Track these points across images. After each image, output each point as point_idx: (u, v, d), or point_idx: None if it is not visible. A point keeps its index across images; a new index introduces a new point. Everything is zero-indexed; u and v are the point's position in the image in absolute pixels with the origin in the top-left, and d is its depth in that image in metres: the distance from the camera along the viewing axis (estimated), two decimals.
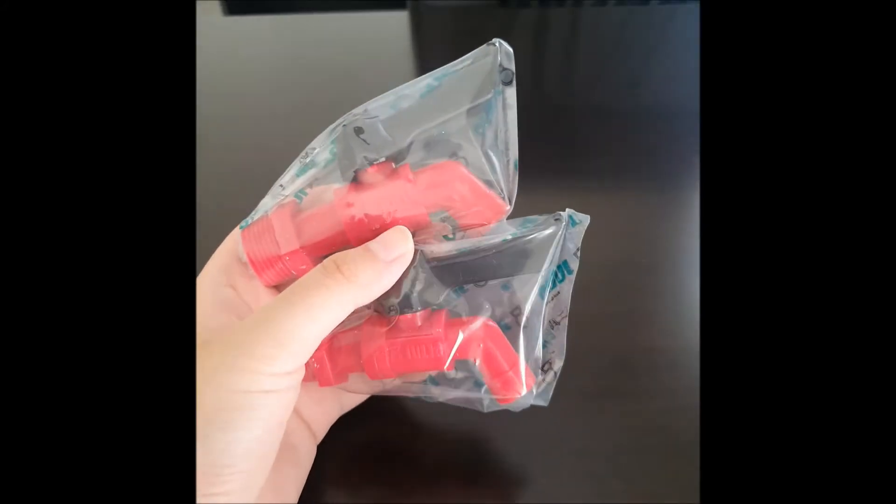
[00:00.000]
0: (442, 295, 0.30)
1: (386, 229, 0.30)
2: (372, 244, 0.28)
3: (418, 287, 0.30)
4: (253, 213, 0.31)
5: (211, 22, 0.83)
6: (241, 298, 0.32)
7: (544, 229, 0.30)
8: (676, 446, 0.35)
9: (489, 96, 0.30)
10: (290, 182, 0.31)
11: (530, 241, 0.30)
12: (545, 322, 0.31)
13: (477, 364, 0.30)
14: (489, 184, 0.31)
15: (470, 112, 0.30)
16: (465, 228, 0.31)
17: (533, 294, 0.30)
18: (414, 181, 0.30)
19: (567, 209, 0.30)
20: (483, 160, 0.31)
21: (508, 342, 0.30)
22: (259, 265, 0.31)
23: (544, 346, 0.31)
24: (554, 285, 0.31)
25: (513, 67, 0.30)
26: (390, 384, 0.32)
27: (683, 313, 0.43)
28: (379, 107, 0.31)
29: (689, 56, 0.70)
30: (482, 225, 0.31)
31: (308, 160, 0.31)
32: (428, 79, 0.31)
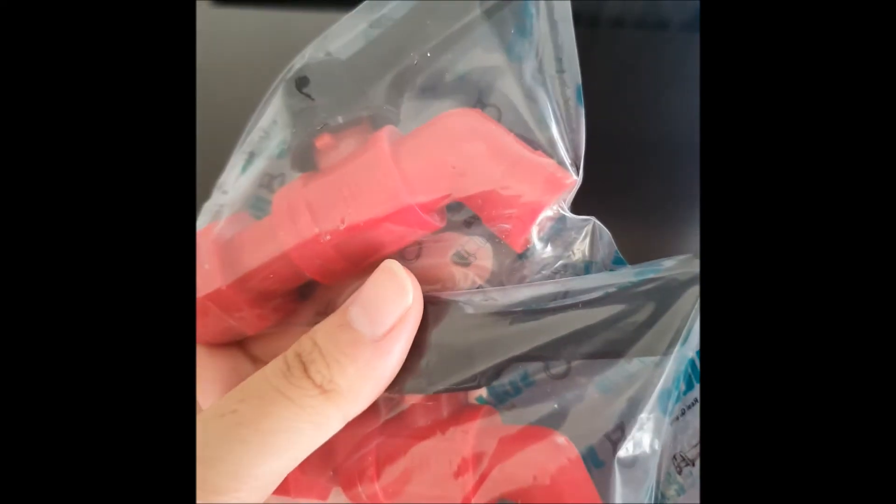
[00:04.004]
0: (483, 378, 0.17)
1: (361, 247, 0.17)
2: (350, 310, 0.16)
3: (441, 357, 0.17)
4: None
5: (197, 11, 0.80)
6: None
7: (682, 276, 0.16)
8: None
9: None
10: (234, 183, 0.21)
11: (655, 294, 0.16)
12: (667, 457, 0.16)
13: None
14: (532, 143, 0.17)
15: (490, 15, 0.17)
16: (500, 231, 0.17)
17: (650, 402, 0.16)
18: (390, 150, 0.17)
19: None
20: (521, 99, 0.17)
21: (595, 488, 0.16)
22: None
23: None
24: (690, 386, 0.16)
25: None
26: None
27: None
28: (342, 44, 0.19)
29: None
30: (528, 219, 0.16)
31: (254, 147, 0.20)
32: None
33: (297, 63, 0.18)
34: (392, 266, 0.17)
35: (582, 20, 0.69)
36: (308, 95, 0.17)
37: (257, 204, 0.21)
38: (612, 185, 0.50)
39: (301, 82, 0.18)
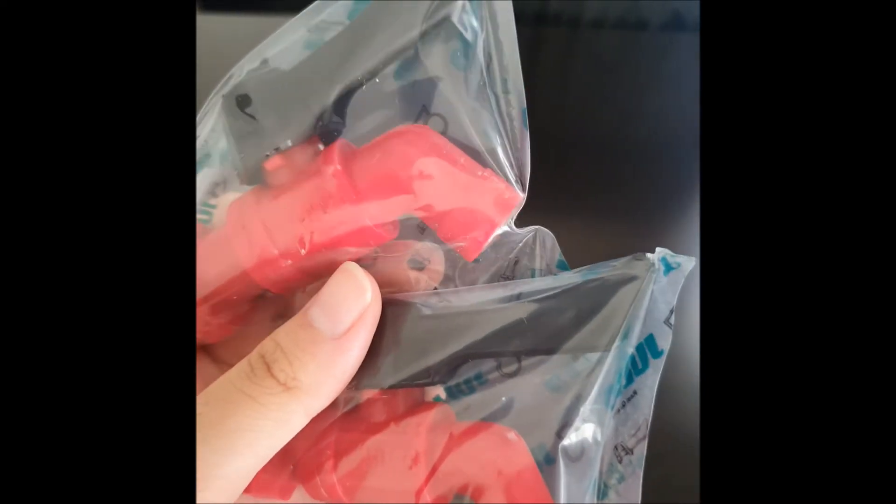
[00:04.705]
0: (437, 375, 0.18)
1: (319, 261, 0.18)
2: (311, 311, 0.17)
3: (395, 354, 0.18)
4: None
5: None
6: None
7: (620, 277, 0.17)
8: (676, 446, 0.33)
9: (454, 5, 0.16)
10: None
11: (594, 293, 0.17)
12: (609, 448, 0.18)
13: None
14: (478, 156, 0.17)
15: (428, 36, 0.17)
16: (452, 244, 0.18)
17: (593, 396, 0.17)
18: (344, 172, 0.17)
19: (658, 249, 0.17)
20: (465, 117, 0.17)
21: (542, 479, 0.18)
22: None
23: (604, 493, 0.18)
24: (629, 380, 0.18)
25: None
26: None
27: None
28: (282, 52, 0.18)
29: (686, 84, 0.62)
30: (478, 234, 0.18)
31: (198, 154, 0.20)
32: None
33: (235, 76, 0.18)
34: (350, 267, 0.18)
35: (563, 21, 0.68)
36: (251, 116, 0.17)
37: (202, 209, 0.21)
38: (592, 184, 0.51)
39: (242, 101, 0.17)
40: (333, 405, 0.20)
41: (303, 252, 0.17)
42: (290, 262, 0.17)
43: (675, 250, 0.18)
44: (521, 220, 0.19)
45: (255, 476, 0.20)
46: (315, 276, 0.18)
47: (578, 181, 0.50)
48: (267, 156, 0.17)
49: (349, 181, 0.17)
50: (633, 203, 0.50)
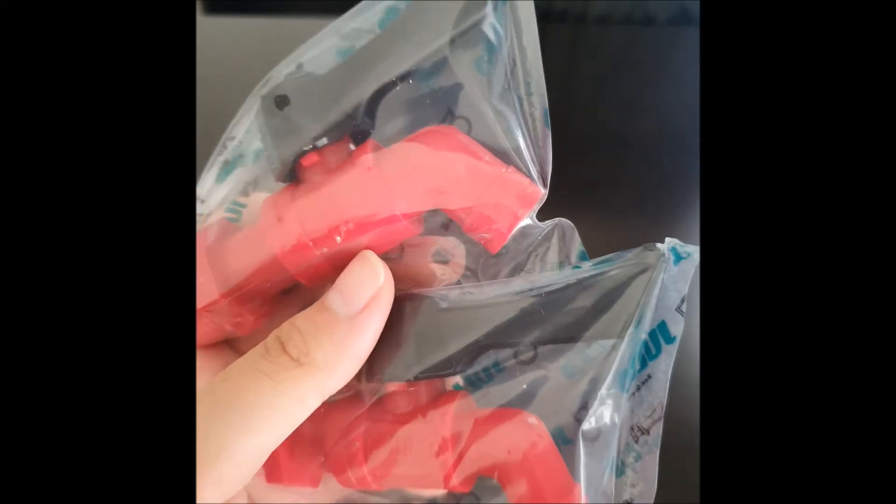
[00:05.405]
0: (458, 364, 0.19)
1: (345, 253, 0.19)
2: (328, 296, 0.18)
3: (416, 346, 0.19)
4: None
5: None
6: None
7: (632, 267, 0.18)
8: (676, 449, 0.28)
9: (483, 13, 0.18)
10: (210, 191, 0.21)
11: (607, 283, 0.18)
12: (626, 429, 0.19)
13: (503, 487, 0.19)
14: (502, 154, 0.18)
15: (457, 43, 0.18)
16: (476, 236, 0.19)
17: (609, 381, 0.18)
18: (375, 167, 0.18)
19: (668, 239, 0.18)
20: (491, 118, 0.19)
21: (562, 459, 0.18)
22: None
23: (621, 472, 0.19)
24: (643, 364, 0.19)
25: None
26: (375, 499, 0.21)
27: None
28: (316, 56, 0.19)
29: (692, 78, 0.63)
30: (502, 227, 0.19)
31: (230, 155, 0.21)
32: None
33: (273, 79, 0.19)
34: (365, 254, 0.19)
35: (569, 18, 0.69)
36: (288, 116, 0.18)
37: (232, 207, 0.22)
38: (599, 176, 0.52)
39: (281, 102, 0.18)
40: (359, 398, 0.21)
41: (338, 240, 0.18)
42: (324, 249, 0.18)
43: (684, 241, 0.19)
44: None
45: (286, 464, 0.21)
46: (342, 267, 0.19)
47: (586, 174, 0.51)
48: (305, 151, 0.18)
49: (381, 176, 0.18)
50: (641, 195, 0.50)
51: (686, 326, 0.28)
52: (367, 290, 0.18)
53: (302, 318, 0.18)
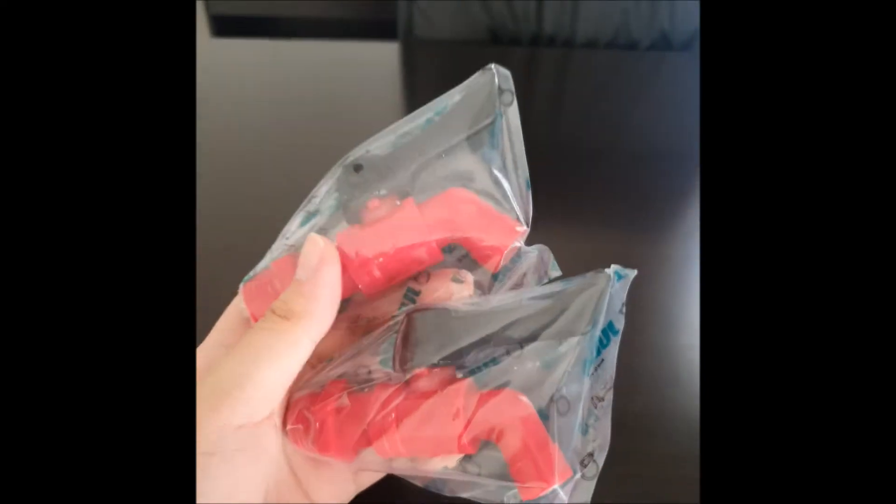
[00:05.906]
0: (466, 356, 0.27)
1: (394, 269, 0.27)
2: (296, 272, 0.26)
3: (435, 339, 0.27)
4: (256, 266, 0.30)
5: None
6: None
7: (589, 283, 0.26)
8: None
9: (489, 120, 0.28)
10: (294, 232, 0.30)
11: (573, 295, 0.26)
12: (587, 400, 0.26)
13: (500, 447, 0.26)
14: (498, 205, 0.28)
15: (471, 139, 0.29)
16: (481, 260, 0.28)
17: (574, 367, 0.25)
18: (417, 211, 0.28)
19: (613, 266, 0.26)
20: (491, 184, 0.29)
21: (542, 425, 0.25)
22: None
23: (585, 431, 0.26)
24: (598, 352, 0.26)
25: (512, 87, 0.29)
26: (399, 464, 0.27)
27: (678, 337, 0.41)
28: (379, 146, 0.30)
29: (674, 99, 0.70)
30: (499, 253, 0.28)
31: (312, 208, 0.30)
32: (428, 113, 0.30)
33: (351, 156, 0.29)
34: (311, 235, 0.27)
35: (558, 42, 0.78)
36: (362, 176, 0.28)
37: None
38: (587, 193, 0.55)
39: (357, 167, 0.28)
40: (392, 382, 0.28)
41: (390, 251, 0.27)
42: (380, 260, 0.27)
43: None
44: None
45: (333, 438, 0.27)
46: (391, 280, 0.28)
47: (575, 191, 0.55)
48: (370, 197, 0.28)
49: (421, 216, 0.27)
50: (626, 211, 0.53)
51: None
52: (314, 256, 0.26)
53: (284, 293, 0.26)
